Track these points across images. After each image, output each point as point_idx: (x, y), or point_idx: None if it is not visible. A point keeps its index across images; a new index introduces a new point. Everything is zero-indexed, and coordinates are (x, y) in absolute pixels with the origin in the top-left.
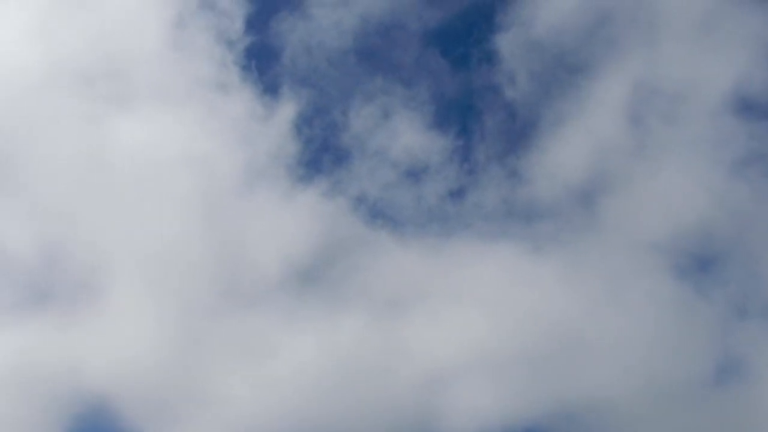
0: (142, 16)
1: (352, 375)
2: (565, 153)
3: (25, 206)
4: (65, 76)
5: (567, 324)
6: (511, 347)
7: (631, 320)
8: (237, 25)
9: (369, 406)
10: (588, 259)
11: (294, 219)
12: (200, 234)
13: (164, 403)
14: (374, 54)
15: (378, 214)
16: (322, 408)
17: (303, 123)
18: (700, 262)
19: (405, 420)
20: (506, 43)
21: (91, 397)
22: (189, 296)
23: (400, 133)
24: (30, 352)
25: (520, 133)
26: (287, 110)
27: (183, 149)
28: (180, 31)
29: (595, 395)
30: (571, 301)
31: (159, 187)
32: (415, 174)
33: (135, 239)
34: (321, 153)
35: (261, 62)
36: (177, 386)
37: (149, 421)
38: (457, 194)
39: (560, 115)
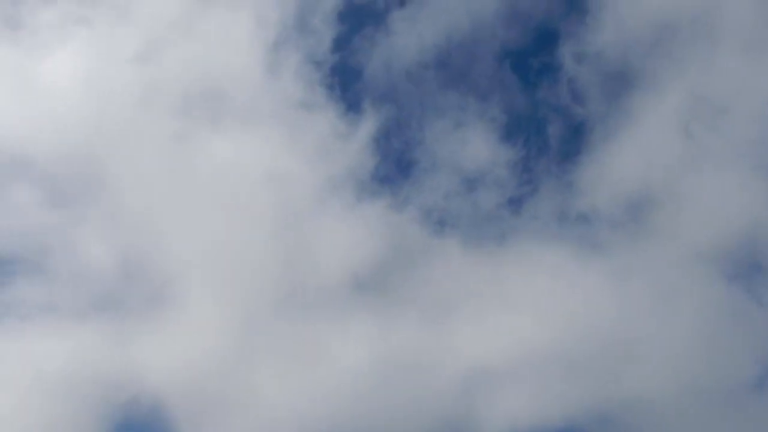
0: (240, 40)
1: (397, 378)
2: (619, 163)
3: (109, 217)
4: (162, 95)
5: (613, 328)
6: (556, 350)
7: (676, 325)
8: (324, 46)
9: (413, 408)
10: (637, 266)
11: (360, 229)
12: (271, 245)
13: (216, 407)
14: (450, 70)
15: (442, 223)
16: (368, 412)
17: (380, 138)
18: (747, 269)
19: (449, 421)
20: (569, 57)
21: (147, 401)
22: (252, 304)
23: (469, 145)
24: (94, 355)
25: (577, 144)
26: (366, 127)
27: (265, 166)
28: (273, 52)
29: (636, 397)
30: (618, 306)
31: (238, 202)
32: (478, 184)
33: (209, 251)
34: (394, 167)
35: (344, 81)
36: (230, 391)
37: (200, 424)
38: (515, 202)
39: (617, 126)
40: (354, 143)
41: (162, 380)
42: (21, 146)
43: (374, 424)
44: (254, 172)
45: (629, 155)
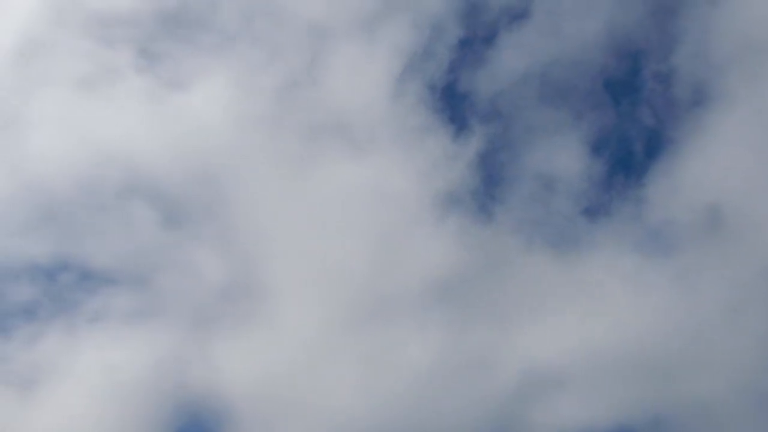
0: (367, 68)
1: (461, 381)
2: (694, 176)
3: (219, 237)
4: (291, 123)
5: (677, 334)
6: (618, 354)
7: (741, 335)
8: (440, 70)
9: (472, 410)
10: (707, 276)
11: (450, 240)
12: (366, 259)
13: (287, 413)
14: (548, 89)
15: (524, 232)
16: (427, 414)
17: (482, 155)
18: None
19: (507, 423)
20: (651, 75)
21: (221, 408)
22: (337, 314)
23: (557, 158)
24: (177, 365)
25: (655, 157)
26: (471, 145)
27: (375, 186)
28: (398, 81)
29: (697, 403)
30: (684, 313)
31: (343, 220)
32: (559, 194)
33: (306, 265)
34: (487, 180)
35: (454, 102)
36: (302, 397)
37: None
38: (592, 211)
39: (694, 140)
40: (459, 161)
41: (238, 388)
42: (147, 168)
43: (431, 426)
44: (364, 192)
45: (704, 168)
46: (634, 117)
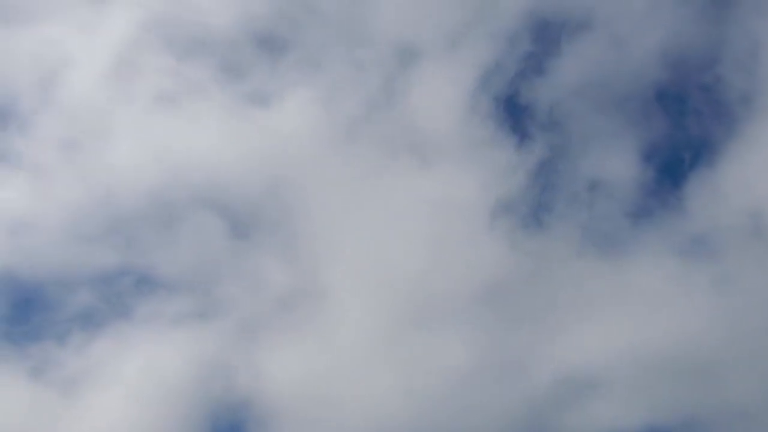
0: (444, 84)
1: (497, 383)
2: (736, 184)
3: (284, 246)
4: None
5: (713, 339)
6: (660, 358)
7: None
8: (507, 82)
9: (506, 412)
10: (749, 281)
11: (501, 247)
12: (420, 266)
13: (327, 416)
14: (606, 101)
15: (570, 236)
16: (462, 415)
17: (538, 167)
18: None
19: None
20: (696, 86)
21: (263, 410)
22: (383, 318)
23: (608, 166)
24: (223, 368)
25: (701, 163)
26: (530, 157)
27: (436, 196)
28: (468, 93)
29: (736, 407)
30: (726, 318)
31: (403, 230)
32: (605, 199)
33: (362, 272)
34: (543, 191)
35: (517, 112)
36: (342, 400)
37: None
38: (636, 216)
39: (738, 147)
40: (518, 170)
41: (284, 392)
42: (220, 180)
43: (465, 427)
44: (426, 202)
45: (747, 175)
46: (682, 125)
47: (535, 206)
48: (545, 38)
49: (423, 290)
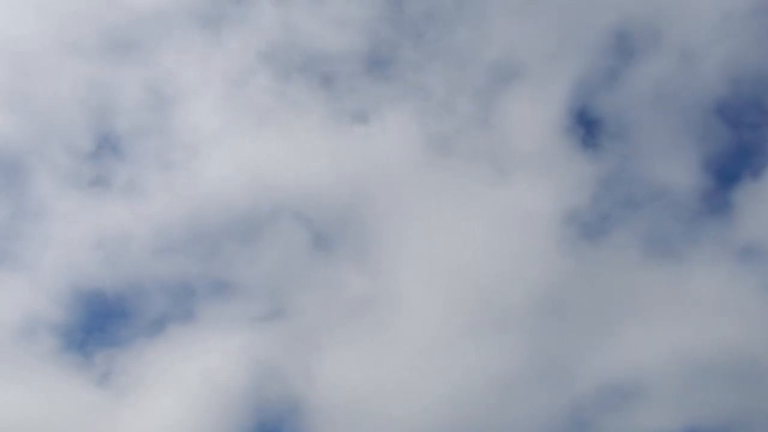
0: (530, 104)
1: (541, 388)
2: None
3: (358, 256)
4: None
5: (760, 346)
6: (707, 364)
7: None
8: (584, 96)
9: (551, 417)
10: None
11: (562, 256)
12: (483, 276)
13: (374, 421)
14: (673, 116)
15: (630, 245)
16: (503, 419)
17: (605, 177)
18: None
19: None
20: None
21: (313, 412)
22: (440, 326)
23: (672, 176)
24: (280, 371)
25: (757, 172)
26: (599, 168)
27: (512, 207)
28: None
29: None
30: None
31: (474, 239)
32: (662, 206)
33: (428, 283)
34: (607, 200)
35: (589, 125)
36: (391, 405)
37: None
38: (689, 222)
39: None
40: (588, 181)
41: (336, 394)
42: (307, 193)
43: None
44: (500, 214)
45: None
46: (739, 136)
47: (600, 215)
48: (620, 53)
49: (484, 299)
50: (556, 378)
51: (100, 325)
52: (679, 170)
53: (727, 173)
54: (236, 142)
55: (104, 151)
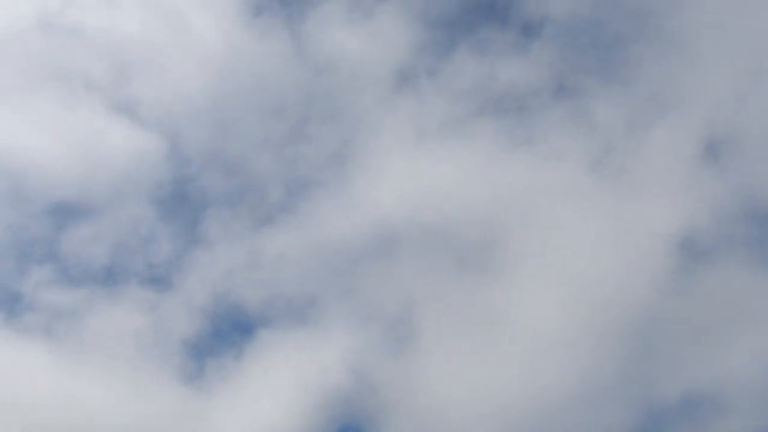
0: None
1: (626, 401)
2: None
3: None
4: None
5: None
6: None
7: None
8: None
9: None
10: None
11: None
12: (596, 292)
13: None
14: None
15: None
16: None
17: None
18: None
19: None
20: None
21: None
22: (533, 341)
23: None
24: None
25: None
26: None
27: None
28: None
29: None
30: None
31: (596, 255)
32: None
33: (547, 300)
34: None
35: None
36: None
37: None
38: None
39: None
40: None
41: (426, 402)
42: (453, 213)
43: None
44: (622, 233)
45: None
46: None
47: (715, 234)
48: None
49: (592, 313)
50: (643, 388)
51: (219, 336)
52: None
53: None
54: (401, 165)
55: None
